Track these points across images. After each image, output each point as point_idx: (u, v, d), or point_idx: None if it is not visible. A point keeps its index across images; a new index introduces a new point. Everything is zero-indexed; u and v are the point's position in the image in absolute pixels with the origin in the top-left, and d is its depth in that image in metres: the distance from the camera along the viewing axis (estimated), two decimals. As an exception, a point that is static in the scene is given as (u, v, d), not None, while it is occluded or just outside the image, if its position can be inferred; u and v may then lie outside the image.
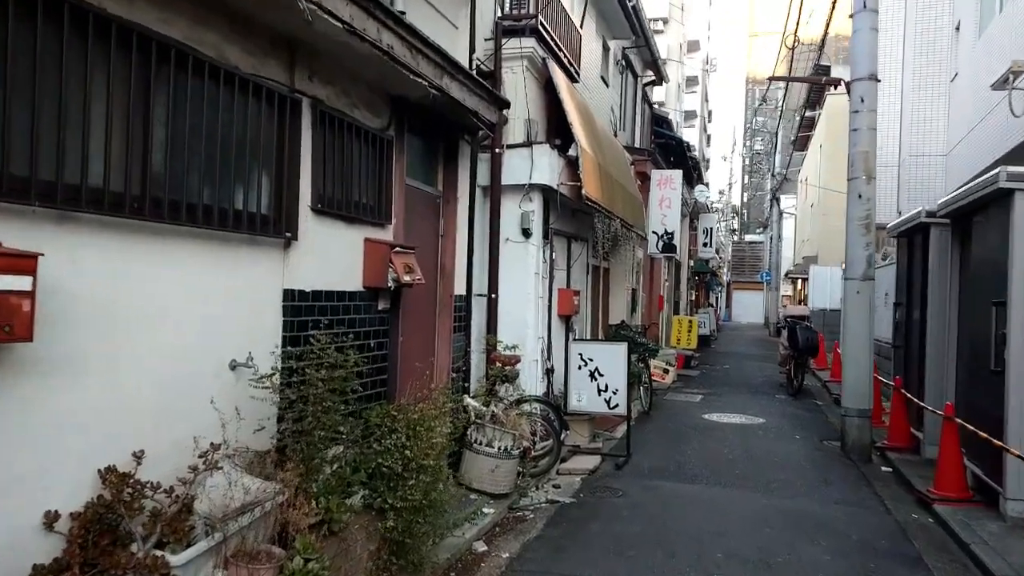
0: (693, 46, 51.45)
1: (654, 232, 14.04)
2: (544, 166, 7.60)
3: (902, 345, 9.68)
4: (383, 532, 4.04)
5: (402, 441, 4.10)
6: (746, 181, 63.61)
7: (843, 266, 21.99)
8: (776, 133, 27.23)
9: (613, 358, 7.81)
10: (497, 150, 7.46)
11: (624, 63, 14.93)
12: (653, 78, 18.29)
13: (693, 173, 22.58)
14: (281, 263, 4.17)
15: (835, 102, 25.81)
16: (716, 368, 18.13)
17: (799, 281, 37.54)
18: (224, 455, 3.59)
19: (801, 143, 34.59)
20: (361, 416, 4.49)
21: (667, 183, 14.08)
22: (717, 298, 43.00)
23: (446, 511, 4.36)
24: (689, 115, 49.20)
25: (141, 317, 3.26)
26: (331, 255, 4.61)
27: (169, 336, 3.42)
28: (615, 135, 12.86)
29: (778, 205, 35.00)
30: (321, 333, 4.11)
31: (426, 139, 6.17)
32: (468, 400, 6.35)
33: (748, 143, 57.10)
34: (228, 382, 3.76)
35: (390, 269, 4.94)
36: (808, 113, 31.88)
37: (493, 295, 7.48)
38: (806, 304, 31.87)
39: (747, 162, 60.12)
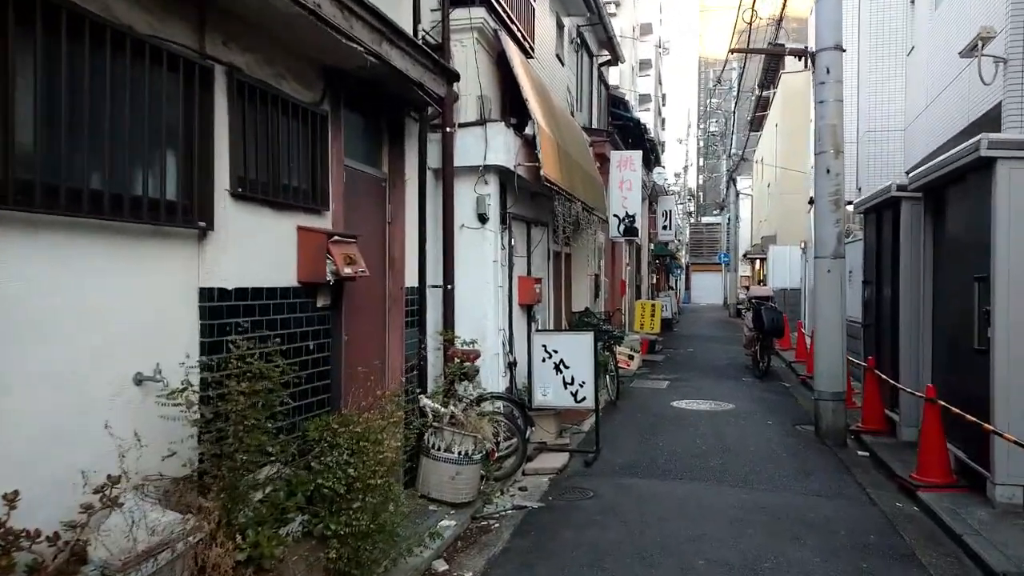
0: (645, 29, 51.18)
1: (615, 215, 13.64)
2: (499, 146, 7.08)
3: (872, 324, 9.44)
4: (326, 564, 3.51)
5: (345, 458, 3.56)
6: (701, 163, 63.96)
7: (803, 245, 22.00)
8: (733, 112, 27.10)
9: (579, 349, 7.36)
10: (448, 129, 6.90)
11: (579, 41, 14.43)
12: (608, 57, 17.84)
13: (651, 156, 22.28)
14: (196, 258, 3.59)
15: (790, 81, 25.75)
16: (680, 352, 17.89)
17: (757, 261, 37.75)
18: (131, 487, 3.03)
19: (756, 123, 34.66)
20: (299, 430, 3.94)
21: (627, 164, 13.67)
22: (677, 281, 43.07)
23: (399, 534, 3.84)
24: (644, 98, 49.03)
25: (10, 327, 2.67)
26: (258, 247, 4.02)
27: (51, 349, 2.82)
28: (572, 116, 12.39)
29: (734, 186, 35.04)
30: (243, 337, 3.53)
31: (368, 116, 5.59)
32: (425, 401, 5.83)
33: (703, 125, 57.31)
34: (132, 400, 3.18)
35: (328, 261, 4.37)
36: (763, 93, 31.91)
37: (449, 286, 6.94)
38: (765, 284, 32.02)
39: (701, 144, 60.40)
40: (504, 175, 7.46)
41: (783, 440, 8.25)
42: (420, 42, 5.61)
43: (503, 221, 7.66)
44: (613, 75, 27.52)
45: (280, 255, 4.24)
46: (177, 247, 3.47)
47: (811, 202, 19.74)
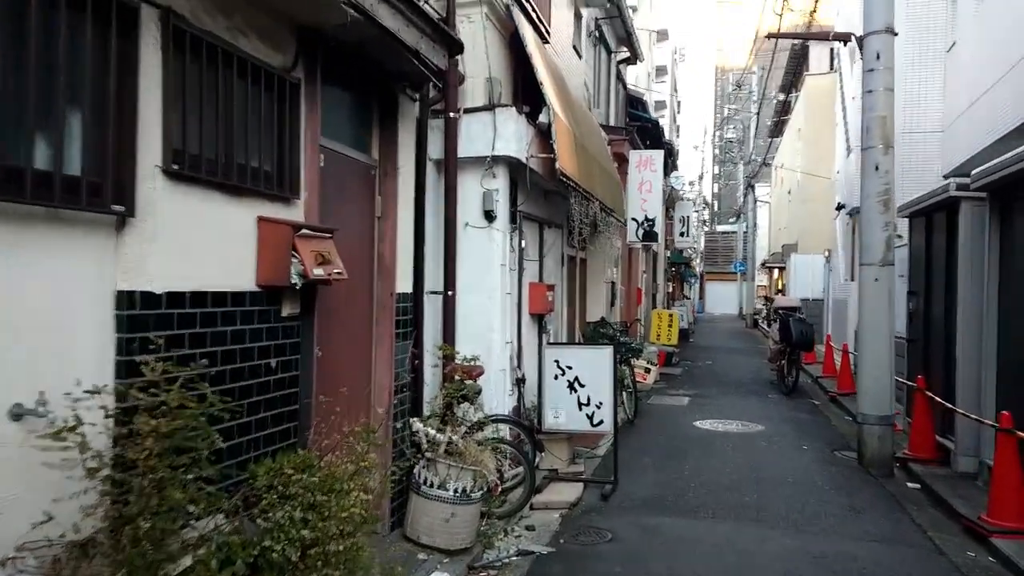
0: (662, 35, 50.34)
1: (633, 219, 12.78)
2: (510, 134, 6.26)
3: (919, 339, 8.54)
4: (272, 655, 2.68)
5: (299, 514, 2.74)
6: (716, 171, 62.94)
7: (826, 253, 21.02)
8: (756, 113, 26.17)
9: (596, 365, 6.51)
10: (452, 114, 6.09)
11: (597, 35, 13.62)
12: (627, 55, 17.02)
13: (668, 160, 21.42)
14: (112, 251, 2.78)
15: (815, 83, 24.82)
16: (699, 364, 16.98)
17: (775, 270, 36.72)
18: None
19: (776, 129, 33.71)
20: (246, 472, 3.12)
21: (647, 165, 12.82)
22: (691, 289, 42.09)
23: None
24: (659, 105, 48.14)
25: None
26: (203, 240, 3.21)
27: None
28: (589, 111, 11.57)
29: (753, 193, 34.06)
30: (156, 357, 2.69)
31: (354, 90, 4.78)
32: (418, 425, 5.00)
33: (719, 132, 56.37)
34: (5, 441, 2.36)
35: (295, 260, 3.56)
36: (783, 97, 30.98)
37: (450, 292, 6.12)
38: (785, 294, 31.01)
39: (717, 152, 59.42)
40: (514, 168, 6.65)
41: (823, 469, 7.35)
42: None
43: (513, 220, 6.83)
44: (629, 78, 26.74)
45: (234, 252, 3.43)
46: (83, 238, 2.66)
47: (838, 208, 18.88)
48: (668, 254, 26.76)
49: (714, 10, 69.94)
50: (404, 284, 5.13)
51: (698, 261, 47.97)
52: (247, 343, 3.45)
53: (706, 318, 40.95)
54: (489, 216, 6.40)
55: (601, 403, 6.45)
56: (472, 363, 5.77)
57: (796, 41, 24.89)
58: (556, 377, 6.56)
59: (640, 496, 6.26)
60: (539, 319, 7.99)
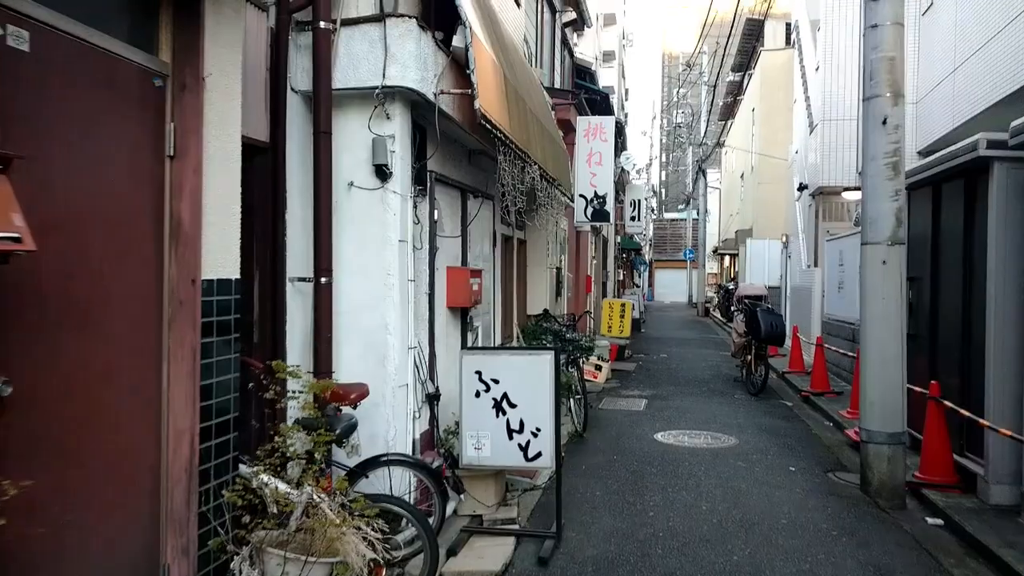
0: (609, 19, 48.97)
1: (582, 195, 11.10)
2: (408, 57, 4.46)
3: (922, 335, 7.08)
4: None
5: None
6: (664, 159, 62.01)
7: (784, 239, 19.76)
8: (713, 86, 24.75)
9: (533, 378, 4.78)
10: (323, 24, 4.26)
11: (539, -15, 11.87)
12: (573, 16, 15.32)
13: (618, 139, 19.81)
14: None
15: (770, 60, 23.56)
16: (653, 358, 15.47)
17: (727, 258, 35.75)
18: None
19: (727, 111, 32.53)
20: None
21: (597, 133, 11.14)
22: (641, 277, 40.89)
23: None
24: (607, 91, 46.86)
25: None
26: None
27: None
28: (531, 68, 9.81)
29: (704, 178, 32.85)
30: None
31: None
32: (262, 478, 3.18)
33: (667, 118, 55.40)
34: None
35: None
36: (734, 79, 29.77)
37: (323, 279, 4.31)
38: (737, 281, 29.89)
39: (664, 139, 58.47)
40: (419, 110, 4.86)
41: (822, 502, 5.79)
42: None
43: (419, 182, 5.04)
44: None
45: None
46: None
47: (800, 189, 17.57)
48: (619, 239, 25.28)
49: (662, -5, 69.08)
50: (222, 264, 3.27)
51: (647, 249, 46.88)
52: None
53: (656, 306, 39.80)
54: (382, 173, 4.59)
55: (539, 429, 4.73)
56: (347, 386, 3.98)
57: (752, 15, 23.57)
58: (478, 394, 4.80)
59: (591, 556, 4.56)
60: (462, 314, 6.23)
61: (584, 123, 11.23)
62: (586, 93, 16.09)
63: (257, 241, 4.33)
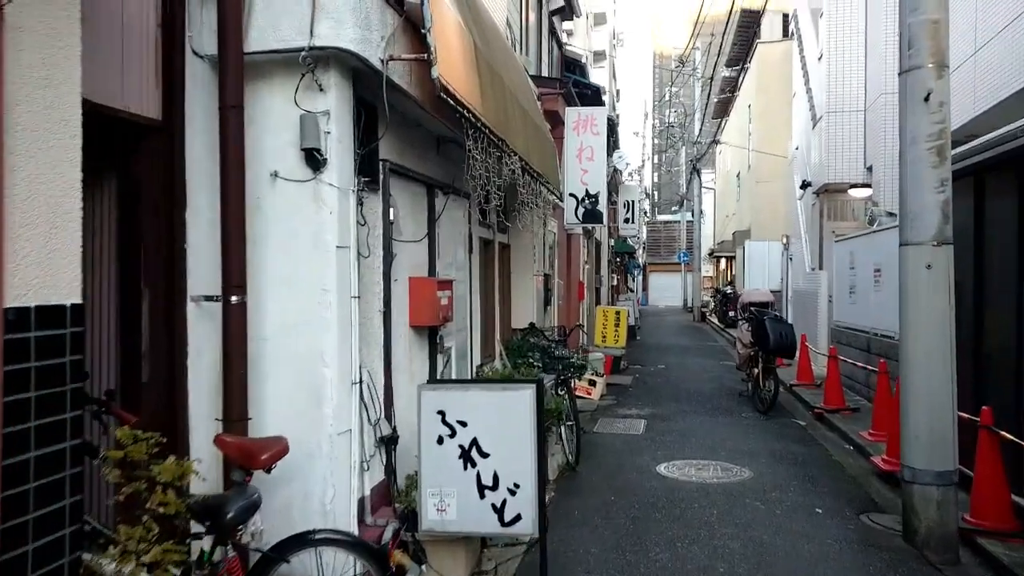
0: (600, 19, 48.20)
1: (572, 194, 10.12)
2: (344, 9, 3.45)
3: (965, 350, 6.11)
4: None
5: None
6: (657, 160, 61.14)
7: (784, 240, 18.80)
8: (710, 80, 23.78)
9: (510, 417, 3.77)
10: (227, -36, 3.27)
11: (524, -35, 10.90)
12: (561, 4, 14.35)
13: (610, 138, 18.83)
14: None
15: (767, 52, 22.66)
16: (651, 370, 14.49)
17: (723, 260, 34.85)
18: None
19: (721, 109, 31.64)
20: None
21: (588, 126, 10.17)
22: (635, 281, 39.97)
23: None
24: (600, 91, 46.00)
25: None
26: None
27: None
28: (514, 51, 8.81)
29: (698, 178, 31.94)
30: None
31: None
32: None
33: (660, 118, 54.56)
34: None
35: None
36: (728, 74, 28.87)
37: (233, 298, 3.30)
38: (734, 284, 28.95)
39: (657, 140, 57.61)
40: (366, 82, 3.85)
41: (861, 558, 4.80)
42: None
43: (367, 172, 4.03)
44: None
45: None
46: None
47: (803, 187, 16.62)
48: (612, 243, 24.33)
49: (650, -3, 68.31)
50: (45, 285, 2.25)
51: (641, 252, 45.97)
52: None
53: (651, 311, 38.88)
54: (313, 160, 3.58)
55: (517, 485, 3.72)
56: (254, 444, 2.97)
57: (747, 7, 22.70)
58: (441, 440, 3.79)
59: (586, 649, 3.57)
60: (430, 334, 5.22)
61: (573, 115, 10.26)
62: (576, 86, 15.14)
63: (147, 249, 3.32)
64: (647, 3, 68.16)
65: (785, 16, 21.66)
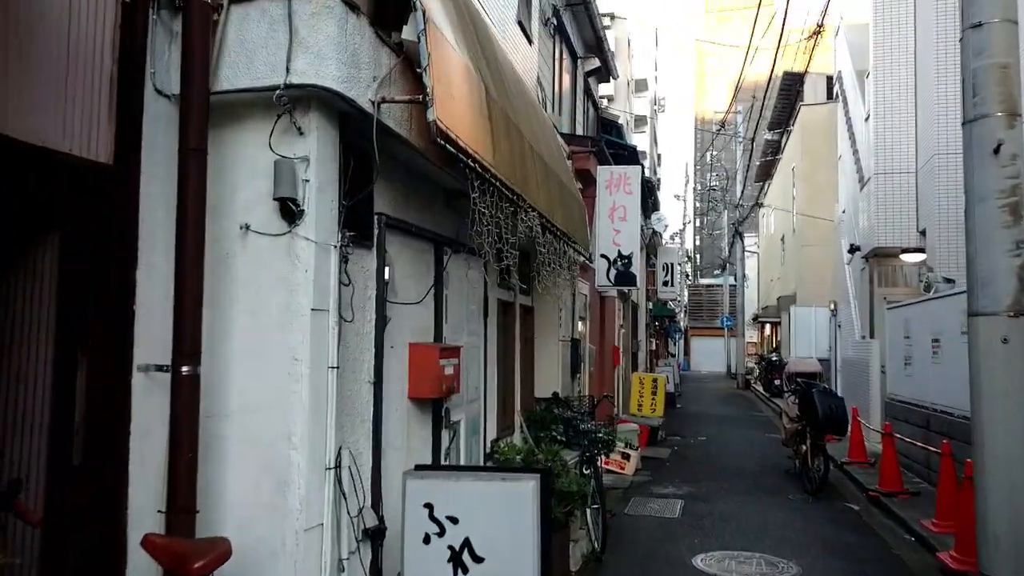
0: (641, 85, 48.54)
1: (604, 255, 9.62)
2: (326, 44, 3.07)
3: None
4: None
5: None
6: (699, 223, 60.55)
7: (832, 306, 17.90)
8: (752, 140, 23.29)
9: (510, 514, 3.19)
10: (194, -7, 2.93)
11: (555, 24, 10.70)
12: (597, 65, 14.17)
13: (649, 200, 18.42)
14: None
15: (810, 115, 22.20)
16: (691, 441, 13.63)
17: (768, 326, 33.75)
18: None
19: (763, 172, 31.13)
20: None
21: (621, 184, 9.73)
22: (676, 346, 38.93)
23: None
24: (640, 155, 45.94)
25: None
26: None
27: None
28: (544, 111, 8.48)
29: (741, 241, 31.21)
30: None
31: None
32: None
33: (701, 182, 54.24)
34: None
35: None
36: (770, 137, 28.45)
37: (184, 368, 2.84)
38: (777, 351, 27.83)
39: (698, 203, 57.15)
40: (356, 125, 3.45)
41: None
42: None
43: (354, 226, 3.59)
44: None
45: None
46: None
47: (851, 251, 15.87)
48: (650, 306, 23.64)
49: (692, 61, 68.99)
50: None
51: (682, 315, 44.94)
52: None
53: (692, 376, 37.66)
54: (288, 211, 3.15)
55: (516, 598, 3.11)
56: (188, 547, 2.45)
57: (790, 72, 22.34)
58: (427, 539, 3.21)
59: None
60: (433, 407, 4.68)
61: (606, 173, 9.84)
62: (611, 147, 14.82)
63: (91, 309, 2.90)
64: (689, 70, 68.80)
65: (829, 78, 21.27)
